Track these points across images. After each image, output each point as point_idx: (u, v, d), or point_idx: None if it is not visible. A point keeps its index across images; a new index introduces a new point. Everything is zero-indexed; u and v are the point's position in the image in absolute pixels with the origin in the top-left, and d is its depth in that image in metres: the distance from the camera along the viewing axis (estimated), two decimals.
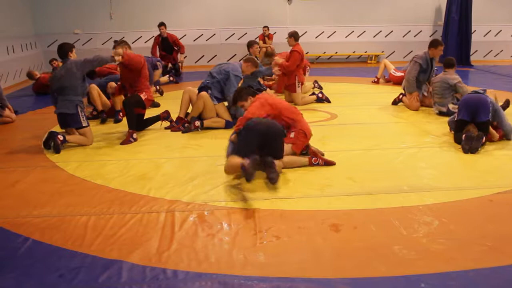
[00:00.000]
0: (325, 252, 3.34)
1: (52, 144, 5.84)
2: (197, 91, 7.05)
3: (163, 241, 3.52)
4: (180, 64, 13.02)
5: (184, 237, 3.59)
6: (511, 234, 3.58)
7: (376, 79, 11.31)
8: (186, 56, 13.04)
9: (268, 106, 5.17)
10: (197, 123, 6.83)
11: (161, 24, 12.56)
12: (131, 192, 4.53)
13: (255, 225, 3.76)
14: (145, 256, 3.30)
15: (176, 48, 12.82)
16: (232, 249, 3.39)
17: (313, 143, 5.90)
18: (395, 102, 8.56)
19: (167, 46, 12.73)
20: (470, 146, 5.54)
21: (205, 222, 3.85)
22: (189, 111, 7.19)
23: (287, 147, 5.10)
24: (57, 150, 5.82)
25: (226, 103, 7.21)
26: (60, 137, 5.91)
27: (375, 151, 5.71)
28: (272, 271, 3.10)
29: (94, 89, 7.59)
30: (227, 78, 7.01)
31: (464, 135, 5.67)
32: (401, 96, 8.47)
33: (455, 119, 6.03)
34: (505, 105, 7.05)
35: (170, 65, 12.72)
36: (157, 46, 12.73)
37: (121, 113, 7.56)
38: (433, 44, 8.14)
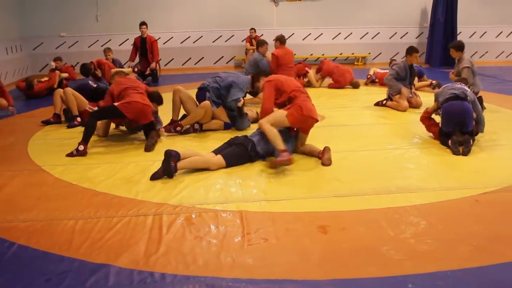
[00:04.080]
0: (313, 254, 3.34)
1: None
2: (187, 91, 7.00)
3: (151, 244, 3.50)
4: (157, 71, 12.55)
5: (171, 240, 3.57)
6: (497, 234, 3.62)
7: (368, 76, 11.52)
8: (158, 61, 12.64)
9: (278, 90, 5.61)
10: (196, 125, 6.82)
11: (143, 24, 12.20)
12: (118, 195, 4.50)
13: (243, 228, 3.76)
14: (132, 260, 3.28)
15: (150, 54, 12.31)
16: (220, 251, 3.38)
17: None
18: (378, 104, 8.62)
19: (145, 49, 12.31)
20: (458, 150, 5.57)
21: (193, 225, 3.84)
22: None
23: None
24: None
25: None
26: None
27: (362, 152, 5.74)
28: (260, 273, 3.10)
29: (69, 92, 7.43)
30: (228, 88, 6.92)
31: (450, 141, 5.70)
32: (385, 101, 8.50)
33: (440, 125, 6.01)
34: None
35: (148, 71, 12.28)
36: (136, 50, 12.37)
37: (78, 118, 7.33)
38: (408, 51, 8.41)
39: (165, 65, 14.73)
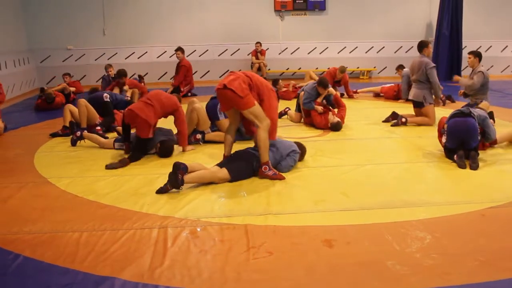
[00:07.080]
0: (319, 268, 3.33)
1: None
2: (200, 103, 7.01)
3: (156, 257, 3.50)
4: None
5: (176, 253, 3.57)
6: (503, 249, 3.60)
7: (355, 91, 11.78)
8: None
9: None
10: (198, 136, 6.82)
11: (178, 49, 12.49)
12: (124, 208, 4.50)
13: (248, 241, 3.75)
14: (137, 273, 3.28)
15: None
16: (225, 265, 3.38)
17: (306, 158, 5.93)
18: (393, 123, 8.08)
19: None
20: (464, 163, 5.57)
21: (198, 238, 3.83)
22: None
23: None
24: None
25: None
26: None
27: (368, 166, 5.72)
28: (265, 287, 3.09)
29: (82, 103, 7.44)
30: None
31: (456, 155, 5.69)
32: (404, 119, 7.99)
33: (443, 141, 5.98)
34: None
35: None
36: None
37: (78, 133, 6.98)
38: (424, 45, 8.11)
39: (171, 78, 14.79)
